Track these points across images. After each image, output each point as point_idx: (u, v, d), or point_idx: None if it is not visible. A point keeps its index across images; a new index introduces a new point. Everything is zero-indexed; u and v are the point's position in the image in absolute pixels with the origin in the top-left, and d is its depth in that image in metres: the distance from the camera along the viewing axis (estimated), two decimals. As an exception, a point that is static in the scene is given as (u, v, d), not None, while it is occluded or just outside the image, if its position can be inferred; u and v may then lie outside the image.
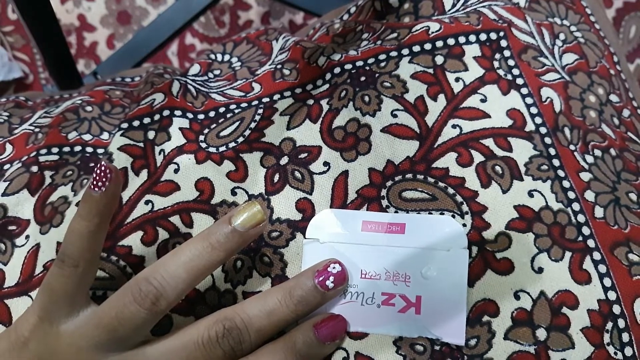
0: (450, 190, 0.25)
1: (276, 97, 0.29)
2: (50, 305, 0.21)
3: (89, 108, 0.31)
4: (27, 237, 0.26)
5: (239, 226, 0.21)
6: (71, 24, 0.78)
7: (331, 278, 0.23)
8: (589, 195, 0.25)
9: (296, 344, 0.22)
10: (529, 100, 0.26)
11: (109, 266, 0.24)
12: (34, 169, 0.28)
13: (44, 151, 0.29)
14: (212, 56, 0.34)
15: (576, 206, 0.25)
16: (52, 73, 0.49)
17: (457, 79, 0.26)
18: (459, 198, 0.25)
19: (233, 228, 0.21)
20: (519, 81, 0.27)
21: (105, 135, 0.29)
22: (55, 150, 0.29)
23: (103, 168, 0.20)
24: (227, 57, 0.34)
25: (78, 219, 0.21)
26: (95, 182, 0.20)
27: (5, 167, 0.29)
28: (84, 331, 0.21)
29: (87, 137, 0.29)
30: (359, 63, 0.28)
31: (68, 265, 0.21)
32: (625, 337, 0.23)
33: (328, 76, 0.28)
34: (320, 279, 0.23)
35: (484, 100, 0.26)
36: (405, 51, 0.27)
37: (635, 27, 0.74)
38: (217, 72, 0.33)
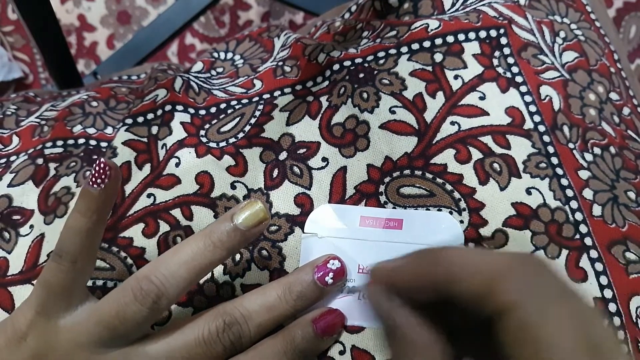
0: (448, 187, 0.25)
1: (277, 93, 0.29)
2: (48, 300, 0.21)
3: (94, 103, 0.32)
4: (32, 226, 0.27)
5: (241, 225, 0.21)
6: (71, 24, 0.79)
7: (330, 274, 0.23)
8: (587, 194, 0.25)
9: (295, 339, 0.22)
10: (527, 99, 0.26)
11: (110, 257, 0.24)
12: (40, 161, 0.29)
13: (49, 144, 0.29)
14: (215, 54, 0.34)
15: (574, 204, 0.25)
16: (52, 73, 0.49)
17: (456, 77, 0.27)
18: (456, 194, 0.25)
19: (235, 226, 0.21)
20: (518, 79, 0.27)
21: (109, 130, 0.30)
22: (60, 143, 0.29)
23: (102, 165, 0.20)
24: (229, 55, 0.34)
25: (76, 215, 0.20)
26: (94, 179, 0.20)
27: (12, 158, 0.29)
28: (83, 328, 0.21)
29: (91, 130, 0.30)
30: (358, 60, 0.28)
31: (66, 261, 0.20)
32: (621, 334, 0.23)
33: (327, 73, 0.28)
34: (320, 274, 0.23)
35: (482, 98, 0.26)
36: (404, 49, 0.28)
37: (635, 27, 0.73)
38: (219, 69, 0.33)
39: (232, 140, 0.27)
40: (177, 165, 0.26)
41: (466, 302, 0.15)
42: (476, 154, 0.25)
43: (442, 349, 0.16)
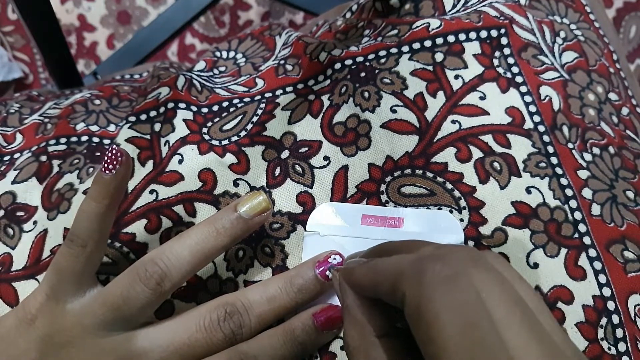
0: (449, 186, 0.25)
1: (278, 92, 0.29)
2: (58, 284, 0.21)
3: (97, 101, 0.32)
4: (35, 222, 0.27)
5: (244, 213, 0.22)
6: (71, 24, 0.79)
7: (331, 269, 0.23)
8: (587, 193, 0.25)
9: (295, 330, 0.22)
10: (527, 99, 0.27)
11: (112, 252, 0.25)
12: (43, 158, 0.29)
13: (52, 142, 0.29)
14: (218, 53, 0.35)
15: (573, 203, 0.25)
16: (52, 73, 0.49)
17: (456, 77, 0.27)
18: (457, 193, 0.25)
19: (238, 215, 0.22)
20: (518, 79, 0.27)
21: (112, 127, 0.30)
22: (63, 140, 0.30)
23: (114, 151, 0.21)
24: (232, 54, 0.34)
25: (88, 200, 0.21)
26: (106, 165, 0.21)
27: (16, 155, 0.30)
28: (89, 310, 0.21)
29: (94, 128, 0.30)
30: (359, 59, 0.28)
31: (76, 245, 0.21)
32: (619, 332, 0.23)
33: (329, 72, 0.29)
34: (321, 269, 0.23)
35: (483, 98, 0.26)
36: (405, 48, 0.28)
37: (635, 27, 0.74)
38: (222, 68, 0.33)
39: (234, 138, 0.28)
40: (180, 162, 0.27)
41: (389, 301, 0.17)
42: (477, 153, 0.25)
43: (375, 327, 0.19)
